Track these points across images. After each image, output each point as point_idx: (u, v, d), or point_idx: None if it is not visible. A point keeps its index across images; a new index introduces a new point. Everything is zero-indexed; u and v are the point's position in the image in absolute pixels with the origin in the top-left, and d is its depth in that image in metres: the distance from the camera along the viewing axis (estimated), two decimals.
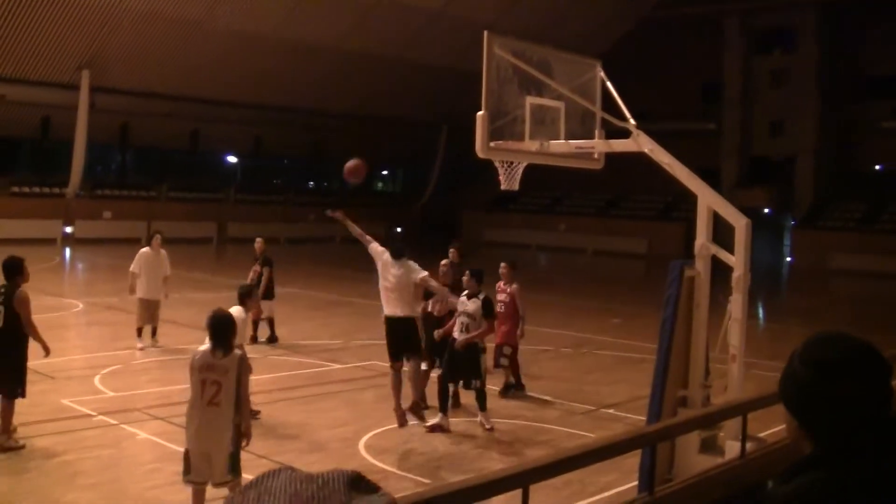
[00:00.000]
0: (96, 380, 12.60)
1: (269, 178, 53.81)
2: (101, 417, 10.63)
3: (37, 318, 17.11)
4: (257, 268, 16.58)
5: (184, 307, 19.36)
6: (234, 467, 7.10)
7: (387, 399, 12.18)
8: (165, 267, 15.71)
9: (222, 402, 6.97)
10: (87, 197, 41.28)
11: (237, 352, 7.19)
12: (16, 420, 9.86)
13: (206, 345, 7.11)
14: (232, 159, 51.93)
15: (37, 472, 8.73)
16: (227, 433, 7.05)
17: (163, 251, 16.01)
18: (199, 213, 44.17)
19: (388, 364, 11.30)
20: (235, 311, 9.77)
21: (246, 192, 48.56)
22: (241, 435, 7.15)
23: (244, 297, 9.93)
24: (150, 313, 15.15)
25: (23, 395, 9.52)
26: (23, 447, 9.41)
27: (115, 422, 10.48)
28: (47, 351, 9.87)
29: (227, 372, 6.99)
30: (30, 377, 12.17)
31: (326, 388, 12.61)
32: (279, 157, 53.10)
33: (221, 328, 7.07)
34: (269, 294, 16.13)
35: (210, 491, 7.17)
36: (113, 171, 46.97)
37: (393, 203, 54.90)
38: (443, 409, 11.04)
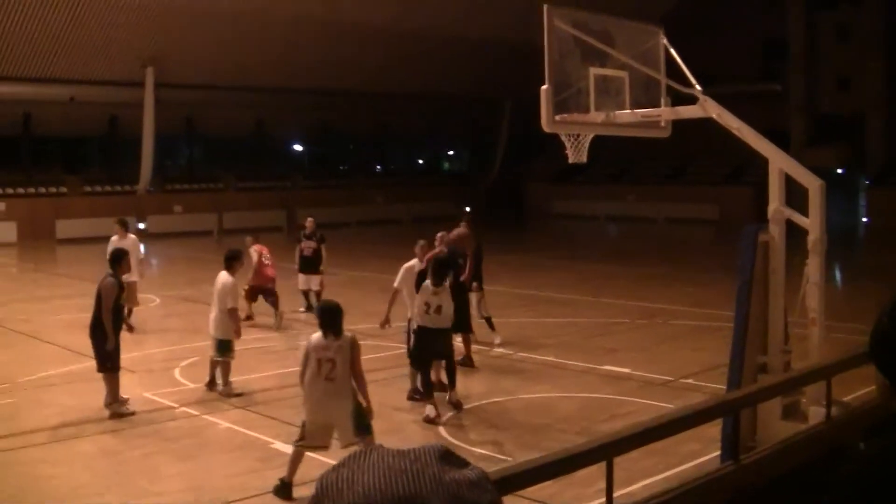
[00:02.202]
0: (176, 372, 12.89)
1: (336, 163, 54.25)
2: (182, 409, 10.87)
3: None
4: (313, 244, 17.85)
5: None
6: (361, 427, 7.85)
7: (466, 377, 12.30)
8: (137, 251, 16.84)
9: (338, 377, 7.81)
10: (158, 192, 42.17)
11: (347, 334, 7.97)
12: (102, 411, 10.49)
13: (318, 333, 7.94)
14: (298, 146, 52.53)
15: (122, 463, 8.97)
16: (346, 402, 7.85)
17: (131, 236, 17.45)
18: (268, 202, 44.76)
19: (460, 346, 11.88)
20: (223, 276, 11.58)
21: (313, 178, 49.04)
22: (361, 405, 7.93)
23: (231, 261, 11.47)
24: (130, 295, 15.21)
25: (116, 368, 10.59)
26: (133, 413, 10.50)
27: (196, 412, 10.71)
28: (108, 339, 10.53)
29: (340, 351, 7.86)
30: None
31: (382, 374, 12.72)
32: (345, 141, 53.48)
33: (330, 316, 7.95)
34: (317, 267, 17.68)
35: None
36: (181, 165, 47.88)
37: (461, 182, 54.91)
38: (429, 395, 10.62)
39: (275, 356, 14.08)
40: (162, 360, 13.91)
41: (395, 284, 11.94)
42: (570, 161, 9.72)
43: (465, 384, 11.91)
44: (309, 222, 18.60)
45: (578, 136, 9.55)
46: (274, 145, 49.68)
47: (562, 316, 17.72)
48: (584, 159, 9.64)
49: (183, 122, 44.31)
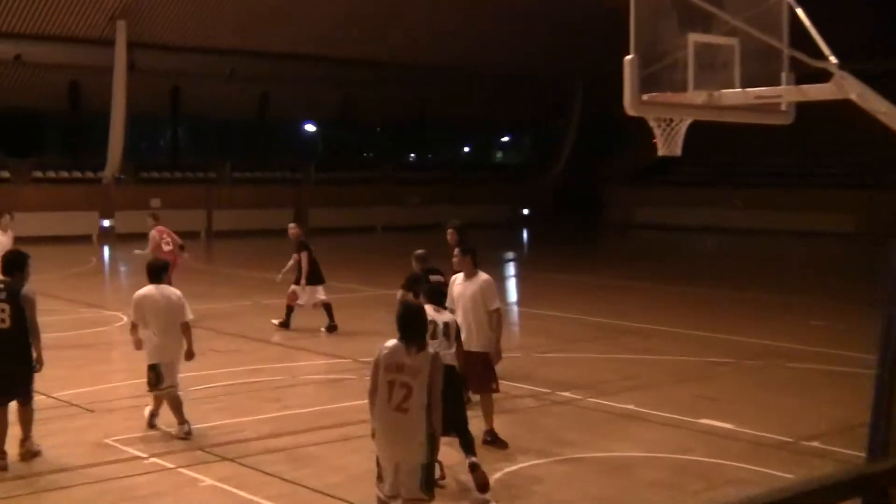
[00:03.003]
0: (146, 412, 12.76)
1: (359, 151, 54.64)
2: (153, 460, 10.87)
3: (70, 335, 17.90)
4: (296, 255, 19.26)
5: (263, 322, 19.89)
6: (428, 483, 7.92)
7: (515, 428, 12.24)
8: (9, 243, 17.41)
9: (412, 407, 7.73)
10: (130, 182, 42.72)
11: (430, 350, 7.99)
12: (49, 463, 10.57)
13: (393, 340, 7.87)
14: (311, 128, 52.90)
15: None
16: (416, 442, 7.81)
17: (10, 232, 18.24)
18: (272, 199, 45.12)
19: (522, 386, 12.15)
20: (167, 289, 12.23)
21: (329, 170, 49.39)
22: (434, 445, 7.94)
23: (158, 273, 12.22)
24: None
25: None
26: (38, 454, 10.78)
27: (171, 465, 10.71)
28: (40, 364, 10.82)
29: (419, 373, 7.76)
30: (65, 410, 12.81)
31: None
32: (370, 123, 53.82)
33: (416, 321, 7.93)
34: (315, 279, 19.02)
35: None
36: (161, 149, 48.57)
37: (517, 177, 54.97)
38: None
39: (272, 392, 14.13)
40: (127, 397, 13.91)
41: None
42: (660, 154, 9.66)
43: (520, 437, 11.85)
44: (291, 230, 20.01)
45: (671, 121, 9.50)
46: (281, 127, 50.16)
47: (645, 352, 17.61)
48: (678, 152, 9.58)
49: (165, 96, 44.83)
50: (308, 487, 9.95)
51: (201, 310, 20.82)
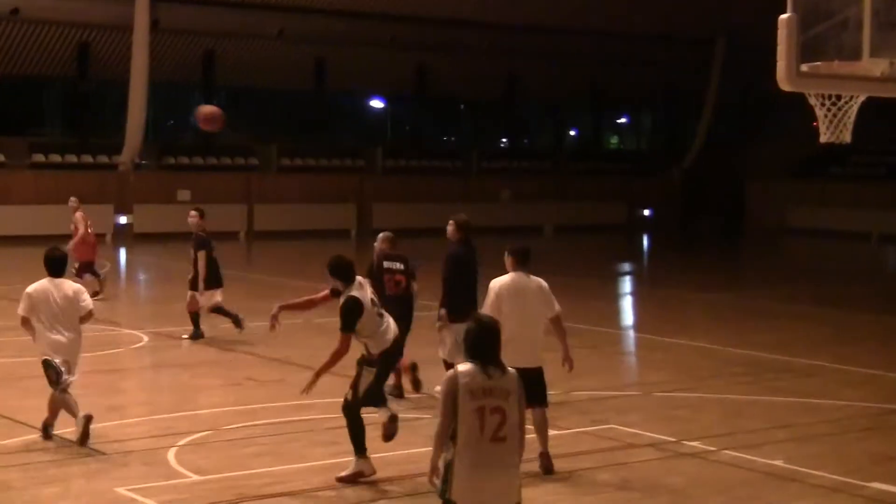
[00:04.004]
0: (171, 455, 12.98)
1: (438, 135, 54.73)
2: None
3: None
4: (193, 253, 20.56)
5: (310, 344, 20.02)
6: None
7: (630, 488, 12.17)
8: None
9: (508, 435, 7.95)
10: (153, 168, 43.26)
11: (511, 370, 8.18)
12: None
13: (467, 364, 8.06)
14: (377, 104, 53.04)
15: None
16: (516, 478, 8.08)
17: None
18: (328, 191, 45.41)
19: (640, 433, 12.69)
20: (68, 283, 13.53)
21: (399, 157, 49.56)
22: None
23: (62, 264, 13.48)
24: None
25: None
26: None
27: None
28: None
29: (509, 395, 8.01)
30: (71, 451, 12.99)
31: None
32: (452, 100, 53.86)
33: (491, 339, 8.14)
34: (213, 281, 20.45)
35: None
36: (192, 129, 49.08)
37: (636, 168, 54.70)
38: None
39: (324, 433, 14.19)
40: (147, 436, 14.05)
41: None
42: (823, 141, 9.60)
43: (637, 499, 11.79)
44: (191, 218, 21.01)
45: (839, 98, 9.44)
46: (340, 103, 50.37)
47: (802, 395, 17.36)
48: (848, 139, 9.50)
49: (197, 63, 45.31)
50: None
51: (233, 329, 21.06)
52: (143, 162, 42.86)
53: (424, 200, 45.98)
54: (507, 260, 12.94)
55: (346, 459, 12.37)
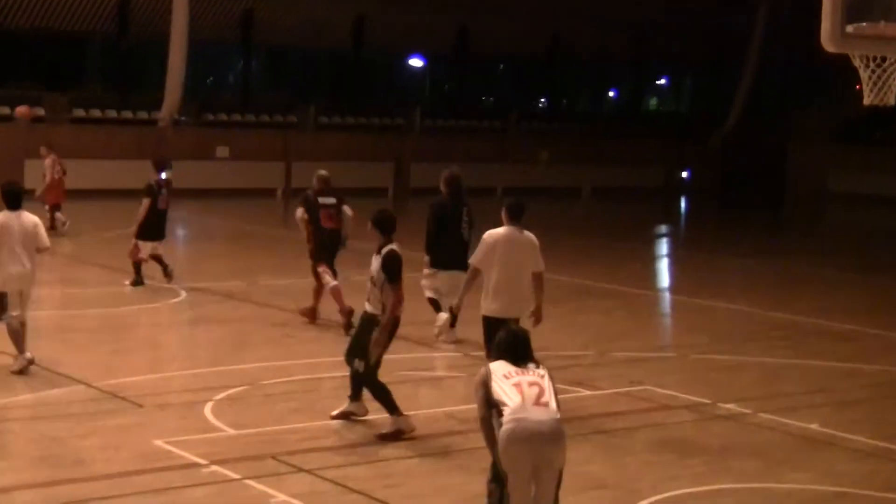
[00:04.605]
0: (207, 409, 13.05)
1: (475, 95, 54.61)
2: (214, 468, 10.98)
3: (114, 311, 18.94)
4: (166, 196, 21.65)
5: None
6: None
7: (665, 449, 12.18)
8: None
9: (550, 402, 8.28)
10: (192, 125, 43.34)
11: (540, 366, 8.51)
12: (89, 468, 10.89)
13: (499, 363, 8.39)
14: (417, 63, 52.92)
15: None
16: (562, 439, 8.34)
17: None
18: (366, 149, 45.27)
19: (676, 395, 12.60)
20: (25, 216, 14.28)
21: (438, 116, 49.51)
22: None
23: (17, 197, 14.30)
24: None
25: None
26: None
27: (236, 475, 10.82)
28: None
29: (543, 378, 8.37)
30: (108, 403, 13.19)
31: (575, 426, 12.69)
32: (491, 60, 53.67)
33: (522, 344, 8.56)
34: (155, 233, 21.24)
35: None
36: (231, 87, 49.18)
37: (676, 131, 54.39)
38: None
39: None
40: (184, 390, 14.16)
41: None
42: (866, 103, 9.53)
43: (671, 460, 11.80)
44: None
45: (884, 60, 9.39)
46: (379, 63, 50.28)
47: (841, 359, 17.33)
48: (892, 101, 9.44)
49: (236, 21, 45.33)
50: None
51: (274, 286, 21.21)
52: (182, 118, 42.90)
53: (462, 160, 45.66)
54: (503, 214, 13.36)
55: (380, 416, 12.45)
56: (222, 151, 42.17)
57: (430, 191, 40.23)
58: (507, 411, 8.07)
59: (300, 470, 11.10)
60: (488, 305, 13.08)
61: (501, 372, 8.24)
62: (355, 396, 12.61)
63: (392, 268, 12.11)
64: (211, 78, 49.72)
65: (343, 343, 16.71)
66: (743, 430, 13.34)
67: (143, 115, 42.40)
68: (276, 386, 14.42)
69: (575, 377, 15.24)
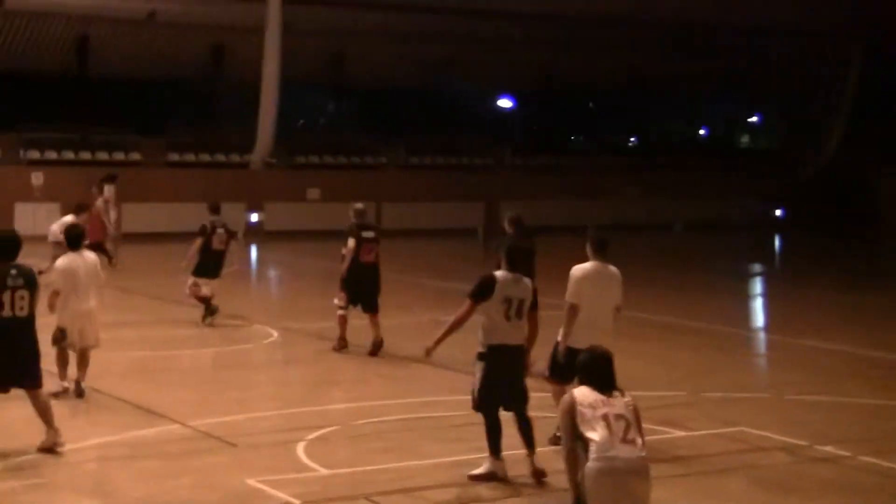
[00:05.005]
0: (300, 449, 13.13)
1: (564, 132, 54.55)
2: None
3: (209, 352, 19.21)
4: (223, 235, 22.08)
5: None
6: None
7: (760, 491, 12.02)
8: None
9: (637, 440, 8.39)
10: (283, 166, 43.69)
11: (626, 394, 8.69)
12: None
13: (582, 388, 8.54)
14: (505, 104, 53.03)
15: None
16: (648, 480, 8.50)
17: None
18: (455, 188, 45.48)
19: (771, 436, 12.73)
20: (89, 255, 15.38)
21: (527, 154, 49.54)
22: None
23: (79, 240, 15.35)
24: None
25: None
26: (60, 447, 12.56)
27: None
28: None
29: (627, 407, 8.53)
30: (201, 442, 13.32)
31: (668, 467, 12.58)
32: (579, 97, 53.61)
33: (603, 367, 8.73)
34: (207, 271, 21.80)
35: None
36: (321, 128, 49.49)
37: (769, 166, 53.95)
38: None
39: (453, 430, 14.23)
40: (276, 430, 14.27)
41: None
42: None
43: (767, 499, 11.65)
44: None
45: None
46: (467, 102, 50.43)
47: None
48: None
49: (326, 63, 45.68)
50: None
51: (364, 326, 21.24)
52: (274, 161, 43.29)
53: (553, 197, 45.82)
54: (588, 248, 13.33)
55: (472, 457, 12.41)
56: (313, 193, 42.48)
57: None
58: (593, 447, 8.11)
59: None
60: (574, 338, 12.87)
61: (588, 401, 8.28)
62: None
63: (477, 284, 12.19)
64: (302, 121, 50.02)
65: (439, 383, 16.91)
66: (841, 473, 13.09)
67: (235, 157, 42.93)
68: (367, 426, 14.43)
69: (666, 417, 15.10)
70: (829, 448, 13.87)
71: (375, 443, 13.66)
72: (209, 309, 21.63)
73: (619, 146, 54.28)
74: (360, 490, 11.66)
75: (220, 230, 22.04)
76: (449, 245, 41.49)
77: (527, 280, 12.34)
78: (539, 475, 11.74)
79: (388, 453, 13.18)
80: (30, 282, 12.44)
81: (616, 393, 8.47)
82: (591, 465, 8.09)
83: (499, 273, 12.14)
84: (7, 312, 12.21)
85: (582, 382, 8.51)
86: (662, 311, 24.66)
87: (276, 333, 21.16)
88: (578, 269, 13.20)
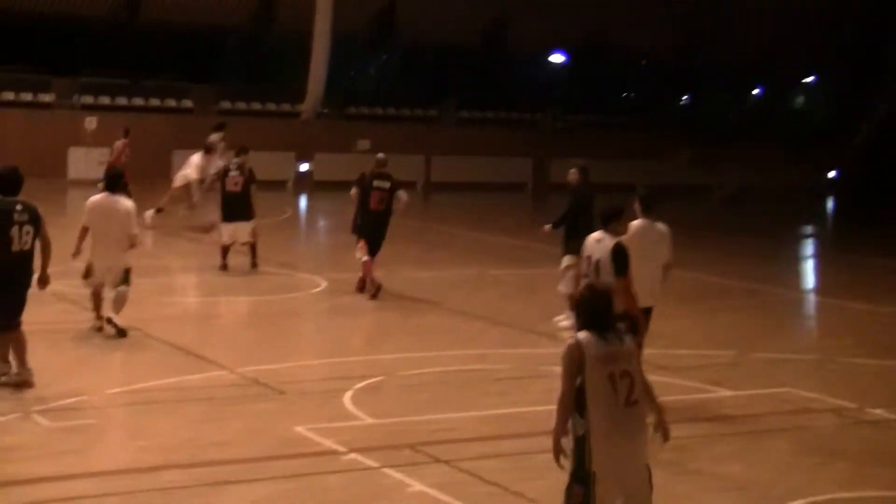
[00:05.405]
0: (347, 398, 13.16)
1: (614, 92, 54.31)
2: (353, 456, 11.08)
3: (257, 300, 19.23)
4: (239, 176, 21.65)
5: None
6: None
7: (807, 453, 11.98)
8: None
9: (639, 398, 8.07)
10: (333, 118, 43.71)
11: (625, 333, 8.29)
12: (230, 451, 11.06)
13: (582, 333, 8.08)
14: (557, 59, 52.82)
15: None
16: (647, 439, 8.11)
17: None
18: (503, 144, 45.39)
19: (820, 398, 12.81)
20: (122, 200, 15.52)
21: (576, 112, 49.37)
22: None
23: (119, 181, 15.80)
24: None
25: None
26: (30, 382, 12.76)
27: (374, 464, 10.91)
28: (47, 283, 13.29)
29: (632, 357, 8.12)
30: (250, 389, 13.43)
31: (715, 426, 12.54)
32: (630, 57, 53.31)
33: (603, 306, 8.16)
34: (227, 214, 21.49)
35: None
36: (373, 80, 49.43)
37: (823, 129, 53.48)
38: None
39: (496, 384, 14.25)
40: (324, 378, 14.37)
41: None
42: None
43: (813, 466, 11.61)
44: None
45: None
46: (517, 59, 50.25)
47: None
48: None
49: (378, 16, 45.60)
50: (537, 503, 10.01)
51: (413, 278, 21.28)
52: (324, 111, 43.30)
53: (601, 156, 45.56)
54: (636, 206, 13.34)
55: (516, 410, 12.56)
56: (363, 144, 42.45)
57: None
58: (596, 410, 7.90)
59: (437, 460, 11.14)
60: None
61: (595, 357, 7.94)
62: None
63: (622, 259, 12.03)
64: (353, 72, 49.93)
65: (486, 336, 16.93)
66: (891, 436, 13.06)
67: (286, 107, 42.96)
68: (414, 377, 14.48)
69: (713, 376, 15.12)
70: (878, 411, 13.81)
71: (421, 394, 13.71)
72: (225, 259, 21.60)
73: (671, 107, 53.81)
74: (405, 440, 11.72)
75: (234, 172, 21.84)
76: (498, 199, 41.46)
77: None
78: None
79: (433, 404, 13.23)
80: (34, 217, 12.76)
81: (615, 338, 8.09)
82: (593, 425, 7.95)
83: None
84: (16, 247, 12.60)
85: (583, 324, 8.12)
86: (712, 272, 24.55)
87: (323, 283, 21.19)
88: (632, 225, 13.15)
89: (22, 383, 12.71)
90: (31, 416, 11.86)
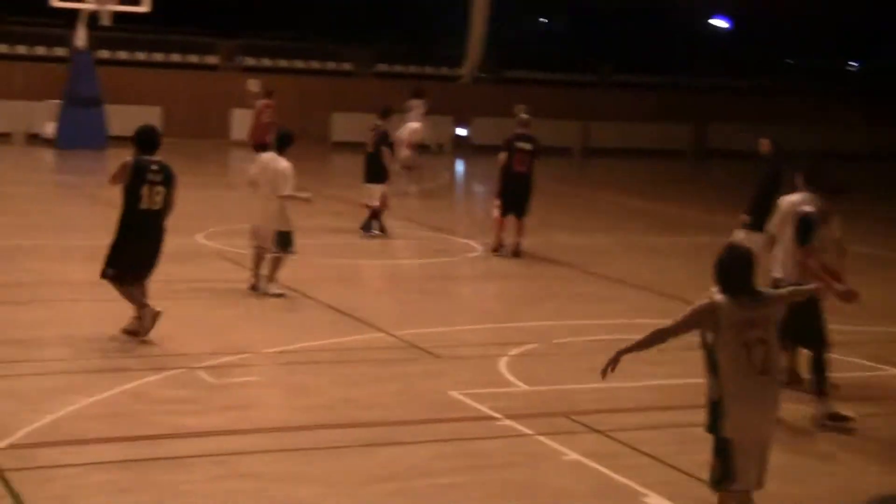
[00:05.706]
0: (502, 364, 13.24)
1: (779, 55, 53.40)
2: (508, 422, 11.15)
3: (412, 263, 19.80)
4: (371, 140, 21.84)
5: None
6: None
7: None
8: None
9: (774, 368, 8.02)
10: (492, 82, 43.69)
11: (766, 291, 8.27)
12: (384, 413, 11.22)
13: (718, 295, 7.97)
14: (720, 24, 52.08)
15: (409, 496, 9.39)
16: (776, 416, 8.18)
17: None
18: (663, 109, 44.99)
19: None
20: (277, 159, 15.86)
21: (741, 76, 48.73)
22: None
23: (286, 144, 16.01)
24: None
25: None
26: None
27: (529, 430, 10.95)
28: None
29: (770, 323, 8.02)
30: (406, 352, 13.62)
31: (885, 406, 12.33)
32: (796, 19, 52.34)
33: (740, 267, 7.99)
34: (375, 175, 21.43)
35: None
36: (532, 43, 49.29)
37: None
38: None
39: (655, 353, 14.11)
40: (479, 344, 14.39)
41: None
42: None
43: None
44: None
45: None
46: (679, 21, 49.75)
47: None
48: None
49: None
50: (697, 478, 9.92)
51: (569, 244, 21.22)
52: (482, 75, 43.32)
53: (769, 121, 44.76)
54: (797, 179, 12.87)
55: (673, 382, 12.50)
56: (521, 109, 42.26)
57: (728, 154, 39.59)
58: (730, 375, 7.86)
59: (593, 430, 11.15)
60: (777, 270, 12.43)
61: (732, 322, 7.84)
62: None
63: (807, 229, 11.89)
64: (512, 34, 49.88)
65: (644, 304, 16.83)
66: None
67: (444, 70, 43.06)
68: (570, 344, 14.47)
69: (878, 353, 14.79)
70: None
71: (577, 361, 13.62)
72: (368, 220, 21.58)
73: (838, 71, 52.70)
74: (561, 408, 11.77)
75: (371, 133, 22.03)
76: (655, 165, 41.11)
77: None
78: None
79: (589, 372, 13.01)
80: (168, 178, 13.11)
81: (752, 302, 7.95)
82: (728, 391, 7.87)
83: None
84: (144, 205, 12.93)
85: (721, 287, 7.96)
86: (872, 244, 23.88)
87: (479, 248, 21.27)
88: (785, 201, 12.79)
89: (136, 331, 13.17)
90: (196, 371, 12.14)
